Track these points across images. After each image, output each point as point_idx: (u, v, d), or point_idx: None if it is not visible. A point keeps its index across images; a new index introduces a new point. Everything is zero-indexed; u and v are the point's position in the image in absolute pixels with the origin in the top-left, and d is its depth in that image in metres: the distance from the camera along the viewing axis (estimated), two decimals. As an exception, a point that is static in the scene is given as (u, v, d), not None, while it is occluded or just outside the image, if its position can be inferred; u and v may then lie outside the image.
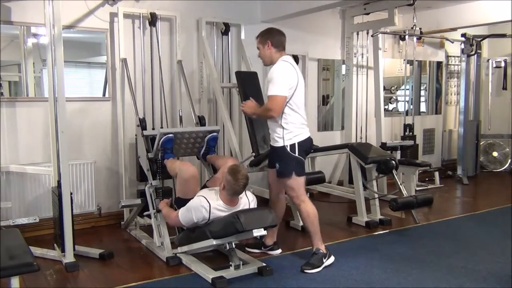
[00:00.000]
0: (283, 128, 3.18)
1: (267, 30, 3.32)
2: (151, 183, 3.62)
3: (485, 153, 7.17)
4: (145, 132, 3.76)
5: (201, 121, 4.12)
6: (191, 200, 3.20)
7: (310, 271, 3.18)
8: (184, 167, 3.38)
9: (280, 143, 3.21)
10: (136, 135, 3.97)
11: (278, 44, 3.24)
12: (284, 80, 3.10)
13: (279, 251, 3.57)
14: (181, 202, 3.30)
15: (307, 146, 3.30)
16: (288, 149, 3.18)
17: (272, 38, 3.23)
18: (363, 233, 4.09)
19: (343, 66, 5.87)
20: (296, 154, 3.19)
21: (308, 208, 3.28)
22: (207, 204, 3.09)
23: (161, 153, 3.57)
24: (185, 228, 3.34)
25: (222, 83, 4.74)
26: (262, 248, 3.58)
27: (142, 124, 3.83)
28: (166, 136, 3.51)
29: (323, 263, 3.23)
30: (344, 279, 3.09)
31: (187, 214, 3.15)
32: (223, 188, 3.09)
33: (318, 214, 3.32)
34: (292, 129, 3.18)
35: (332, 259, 3.30)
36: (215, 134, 3.75)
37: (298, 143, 3.19)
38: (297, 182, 3.26)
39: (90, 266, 3.33)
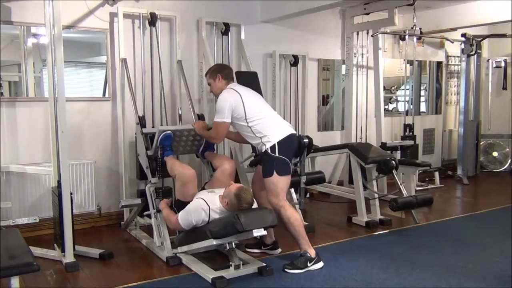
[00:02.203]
0: (259, 137, 3.30)
1: (215, 66, 3.66)
2: (150, 181, 3.62)
3: (485, 153, 7.17)
4: (144, 130, 3.76)
5: (200, 119, 4.11)
6: (190, 203, 3.23)
7: (290, 271, 3.18)
8: (183, 170, 3.39)
9: (263, 149, 3.30)
10: (136, 133, 3.97)
11: (228, 76, 3.53)
12: (224, 107, 3.30)
13: (279, 250, 3.57)
14: (180, 205, 3.32)
15: (290, 144, 3.33)
16: (269, 151, 3.25)
17: (222, 73, 3.50)
18: (363, 233, 4.09)
19: (343, 66, 5.87)
20: (277, 154, 3.24)
21: (288, 213, 3.26)
22: (207, 207, 3.12)
23: (160, 150, 3.58)
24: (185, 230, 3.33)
25: (222, 83, 4.73)
26: (262, 247, 3.58)
27: (141, 122, 3.83)
28: (165, 133, 3.54)
29: (307, 266, 3.20)
30: (344, 279, 3.09)
31: (186, 218, 3.18)
32: (226, 204, 3.12)
33: (300, 219, 3.33)
34: (266, 133, 3.28)
35: (320, 264, 3.26)
36: None
37: (278, 142, 3.24)
38: (279, 184, 3.25)
39: (90, 266, 3.33)
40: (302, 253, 3.26)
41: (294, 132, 3.39)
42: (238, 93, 3.34)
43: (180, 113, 4.49)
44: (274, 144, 3.24)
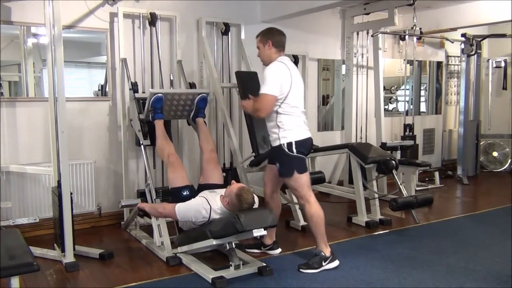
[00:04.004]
0: (278, 127, 3.15)
1: (268, 29, 3.31)
2: (142, 143, 3.85)
3: (485, 153, 7.17)
4: (136, 95, 3.97)
5: (192, 87, 4.32)
6: (192, 199, 3.27)
7: (305, 271, 3.18)
8: (172, 160, 3.59)
9: (277, 142, 3.17)
10: (131, 119, 4.08)
11: (279, 44, 3.24)
12: (275, 80, 3.07)
13: (279, 250, 3.56)
14: (175, 192, 3.48)
15: (305, 147, 3.22)
16: (286, 148, 3.13)
17: (273, 38, 3.22)
18: (363, 233, 4.09)
19: (343, 66, 5.87)
20: (295, 153, 3.14)
21: (312, 210, 3.22)
22: (208, 206, 3.15)
23: (151, 113, 3.73)
24: (178, 220, 3.36)
25: (222, 83, 4.74)
26: (262, 248, 3.57)
27: (134, 87, 4.02)
28: (156, 95, 3.67)
29: (321, 266, 3.19)
30: (344, 279, 3.08)
31: (186, 213, 3.19)
32: (226, 203, 3.14)
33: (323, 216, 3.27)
34: (288, 128, 3.14)
35: (336, 263, 3.23)
36: (204, 95, 3.91)
37: (296, 141, 3.14)
38: (300, 181, 3.20)
39: (90, 266, 3.33)
40: (317, 253, 3.24)
41: (311, 136, 3.27)
42: (291, 77, 3.13)
43: (171, 78, 4.50)
44: (291, 142, 3.13)
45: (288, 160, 3.16)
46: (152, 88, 4.35)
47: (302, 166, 3.21)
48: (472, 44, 6.28)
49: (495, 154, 7.13)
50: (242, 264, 3.14)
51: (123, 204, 3.75)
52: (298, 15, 4.93)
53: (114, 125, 4.34)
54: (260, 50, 3.29)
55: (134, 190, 4.41)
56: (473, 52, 6.34)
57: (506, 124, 7.03)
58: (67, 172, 3.28)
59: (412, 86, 6.58)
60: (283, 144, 3.14)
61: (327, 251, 3.23)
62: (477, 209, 4.99)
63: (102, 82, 4.39)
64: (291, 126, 3.15)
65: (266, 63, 3.27)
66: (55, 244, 3.50)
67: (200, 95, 3.89)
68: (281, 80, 3.08)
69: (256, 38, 3.33)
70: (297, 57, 5.37)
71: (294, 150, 3.14)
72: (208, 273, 3.06)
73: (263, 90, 3.08)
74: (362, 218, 4.30)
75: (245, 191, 3.10)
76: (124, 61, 4.18)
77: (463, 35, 6.24)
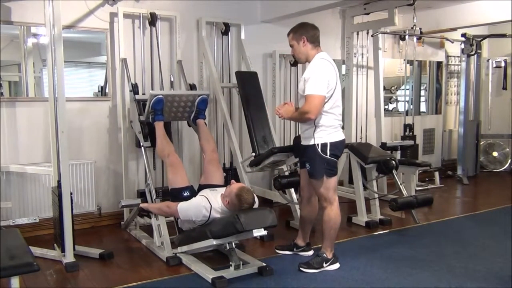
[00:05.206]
0: (315, 126, 3.03)
1: (300, 25, 3.15)
2: (142, 145, 3.84)
3: (485, 153, 7.17)
4: (136, 97, 3.97)
5: (192, 88, 4.33)
6: (193, 198, 3.29)
7: (305, 270, 3.18)
8: (173, 160, 3.61)
9: (311, 142, 3.05)
10: (131, 120, 4.07)
11: (314, 39, 3.10)
12: (321, 78, 2.93)
13: (312, 252, 3.53)
14: (175, 192, 3.48)
15: (340, 149, 3.14)
16: (319, 148, 3.03)
17: (307, 34, 3.08)
18: (363, 233, 4.09)
19: (343, 66, 5.86)
20: (328, 155, 3.03)
21: (332, 213, 3.18)
22: (209, 205, 3.16)
23: (152, 115, 3.72)
24: (179, 219, 3.37)
25: (222, 83, 4.73)
26: (294, 249, 3.54)
27: (134, 89, 4.01)
28: (156, 97, 3.66)
29: (322, 267, 3.19)
30: (344, 279, 3.09)
31: (187, 211, 3.22)
32: (227, 203, 3.14)
33: (340, 220, 3.26)
34: (325, 128, 3.03)
35: (336, 266, 3.23)
36: (204, 97, 3.92)
37: (331, 143, 3.03)
38: (328, 184, 3.12)
39: (90, 266, 3.33)
40: (319, 254, 3.24)
41: (344, 138, 3.21)
42: (336, 74, 3.03)
43: (172, 80, 4.51)
44: (326, 143, 3.02)
45: (320, 162, 3.06)
46: (152, 89, 4.36)
47: (333, 169, 3.12)
48: (472, 44, 6.28)
49: (495, 154, 7.14)
50: (242, 264, 3.14)
51: (123, 204, 3.75)
52: (298, 15, 4.92)
53: (114, 125, 4.34)
54: (294, 48, 3.14)
55: (134, 190, 4.41)
56: (473, 52, 6.34)
57: (506, 124, 7.03)
58: (67, 172, 3.28)
59: (412, 86, 6.58)
60: (317, 144, 3.03)
61: (329, 254, 3.24)
62: (477, 209, 5.00)
63: (102, 83, 4.39)
64: (327, 127, 3.04)
65: (302, 61, 3.16)
66: (55, 244, 3.50)
67: (201, 97, 3.89)
68: (327, 78, 2.96)
69: (288, 36, 3.18)
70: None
71: (328, 152, 3.04)
72: (208, 273, 3.06)
73: (311, 91, 2.92)
74: (362, 218, 4.30)
75: (245, 191, 3.10)
76: (124, 61, 4.18)
77: (463, 35, 6.24)
